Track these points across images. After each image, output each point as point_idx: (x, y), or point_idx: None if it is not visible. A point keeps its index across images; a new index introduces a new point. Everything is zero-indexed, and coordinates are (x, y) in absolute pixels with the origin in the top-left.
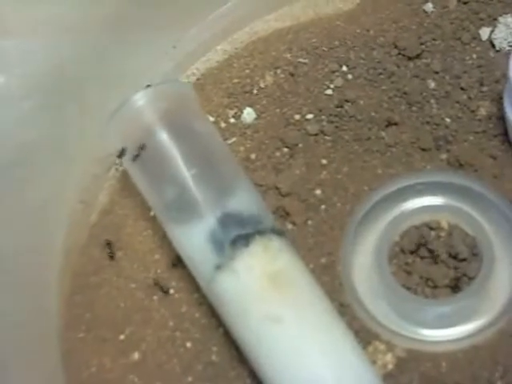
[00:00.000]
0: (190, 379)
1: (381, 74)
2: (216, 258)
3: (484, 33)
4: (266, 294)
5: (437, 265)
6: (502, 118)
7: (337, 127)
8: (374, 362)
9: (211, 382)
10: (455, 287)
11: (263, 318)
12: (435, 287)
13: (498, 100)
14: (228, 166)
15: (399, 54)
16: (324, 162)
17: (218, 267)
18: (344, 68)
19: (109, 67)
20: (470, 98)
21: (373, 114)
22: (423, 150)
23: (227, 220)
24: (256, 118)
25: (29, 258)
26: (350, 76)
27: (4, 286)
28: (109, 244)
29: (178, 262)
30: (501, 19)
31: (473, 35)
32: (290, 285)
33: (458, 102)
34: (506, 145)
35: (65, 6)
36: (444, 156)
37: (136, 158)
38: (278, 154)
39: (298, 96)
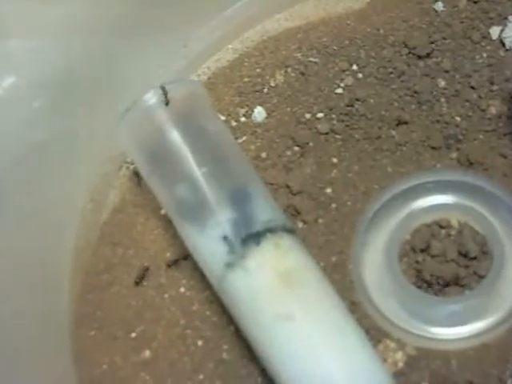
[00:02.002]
0: (201, 377)
1: (391, 72)
2: (227, 257)
3: (494, 32)
4: (277, 292)
5: (447, 263)
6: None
7: (347, 126)
8: (384, 360)
9: (222, 380)
10: (465, 285)
11: (274, 316)
12: (445, 285)
13: (509, 99)
14: (239, 165)
15: (409, 53)
16: (334, 160)
17: (229, 265)
18: (354, 67)
19: (119, 67)
20: (480, 96)
21: (383, 112)
22: (433, 148)
23: (238, 218)
24: (267, 117)
25: (40, 257)
26: (360, 75)
27: (16, 285)
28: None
29: (173, 264)
30: (511, 18)
31: (483, 34)
32: (300, 283)
33: (468, 101)
34: None
35: (75, 7)
36: (454, 155)
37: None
38: (288, 152)
39: (309, 95)
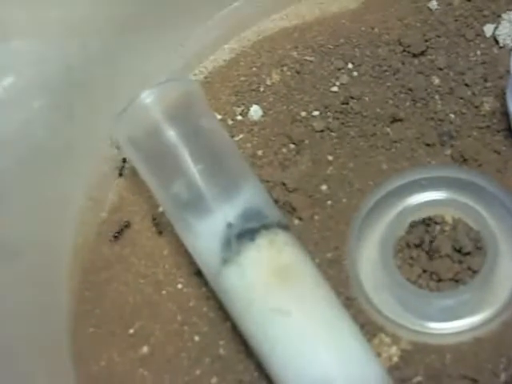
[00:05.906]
0: (197, 372)
1: (386, 70)
2: (222, 253)
3: (488, 29)
4: (272, 287)
5: (441, 258)
6: (505, 113)
7: (342, 123)
8: (379, 355)
9: (219, 376)
10: (460, 280)
11: (269, 312)
12: (440, 280)
13: (502, 96)
14: (235, 162)
15: (404, 51)
16: (330, 158)
17: (225, 261)
18: (349, 65)
19: (117, 66)
20: (473, 93)
21: (378, 110)
22: (428, 145)
23: (234, 215)
24: (263, 115)
25: (39, 255)
26: (355, 73)
27: (15, 282)
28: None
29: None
30: (504, 16)
31: (477, 32)
32: (295, 279)
33: (462, 98)
34: (509, 140)
35: (73, 7)
36: (448, 151)
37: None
38: (284, 150)
39: (304, 93)
